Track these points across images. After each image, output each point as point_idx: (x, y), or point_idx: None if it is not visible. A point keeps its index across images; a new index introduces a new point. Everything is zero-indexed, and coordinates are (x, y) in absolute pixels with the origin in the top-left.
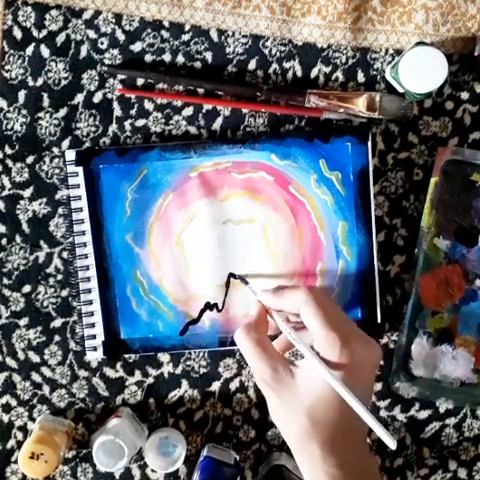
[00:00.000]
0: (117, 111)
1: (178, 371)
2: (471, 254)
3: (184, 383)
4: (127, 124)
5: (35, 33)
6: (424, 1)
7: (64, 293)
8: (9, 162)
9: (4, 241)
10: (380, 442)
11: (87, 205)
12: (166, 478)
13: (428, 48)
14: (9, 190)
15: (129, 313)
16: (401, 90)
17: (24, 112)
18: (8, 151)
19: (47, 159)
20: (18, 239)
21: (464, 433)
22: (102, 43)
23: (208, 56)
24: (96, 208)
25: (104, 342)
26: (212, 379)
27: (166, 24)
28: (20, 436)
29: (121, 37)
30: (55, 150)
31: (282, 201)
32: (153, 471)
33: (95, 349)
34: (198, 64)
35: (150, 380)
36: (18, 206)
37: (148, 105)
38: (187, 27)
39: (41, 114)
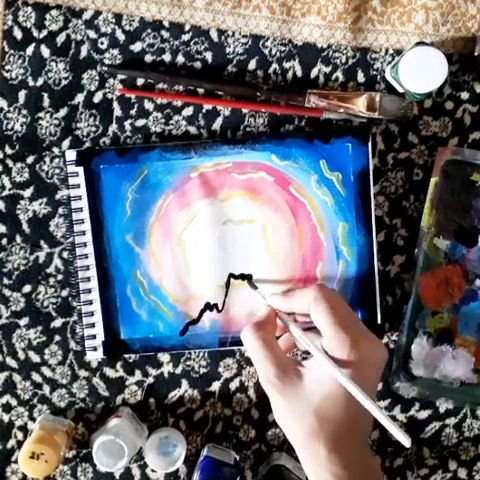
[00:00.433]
0: (117, 111)
1: (178, 371)
2: (471, 254)
3: (184, 383)
4: (127, 124)
5: (35, 33)
6: (424, 1)
7: (64, 293)
8: (9, 162)
9: (4, 241)
10: (380, 442)
11: (87, 205)
12: (166, 478)
13: (428, 48)
14: (9, 190)
15: (129, 313)
16: (401, 90)
17: (24, 112)
18: (8, 151)
19: (47, 159)
20: (18, 239)
21: (464, 433)
22: (102, 43)
23: (208, 56)
24: (96, 208)
25: (104, 342)
26: (212, 379)
27: (166, 24)
28: (20, 436)
29: (121, 37)
30: (55, 150)
31: (282, 201)
32: (153, 471)
33: (95, 349)
34: (198, 64)
35: (150, 380)
36: (18, 206)
37: (148, 105)
38: (187, 27)
39: (41, 114)
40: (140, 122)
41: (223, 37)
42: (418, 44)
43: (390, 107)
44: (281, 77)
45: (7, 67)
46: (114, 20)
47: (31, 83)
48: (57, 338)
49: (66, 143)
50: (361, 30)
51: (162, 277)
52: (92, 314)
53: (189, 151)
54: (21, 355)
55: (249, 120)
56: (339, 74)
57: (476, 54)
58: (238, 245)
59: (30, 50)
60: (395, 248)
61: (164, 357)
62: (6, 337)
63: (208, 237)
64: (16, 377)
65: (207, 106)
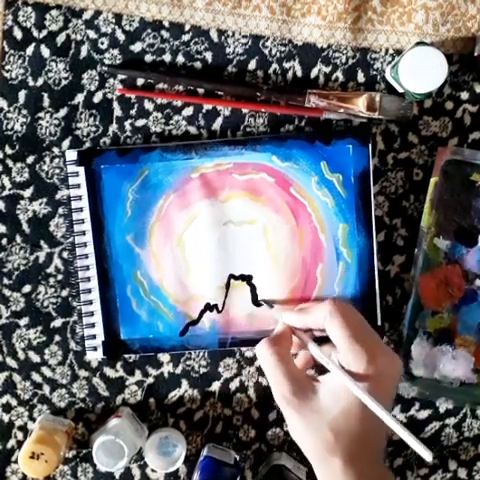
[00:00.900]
0: (117, 111)
1: (178, 371)
2: (471, 254)
3: (184, 383)
4: (127, 124)
5: (35, 33)
6: (424, 1)
7: (64, 293)
8: (9, 162)
9: (4, 241)
10: None
11: (88, 205)
12: (166, 478)
13: (428, 48)
14: (9, 190)
15: (129, 313)
16: (401, 90)
17: (24, 112)
18: (8, 151)
19: (47, 159)
20: (18, 239)
21: (464, 433)
22: (102, 43)
23: (208, 56)
24: (97, 208)
25: (104, 342)
26: (212, 379)
27: (166, 24)
28: (20, 436)
29: (121, 37)
30: (55, 150)
31: (283, 203)
32: (153, 471)
33: (95, 349)
34: (198, 64)
35: (150, 380)
36: (18, 206)
37: (148, 105)
38: (187, 27)
39: (41, 114)
40: (140, 122)
41: (223, 37)
42: (418, 44)
43: (390, 107)
44: (281, 77)
45: (7, 67)
46: (114, 20)
47: (31, 83)
48: (57, 338)
49: (66, 143)
50: (361, 30)
51: (162, 277)
52: (92, 314)
53: (190, 152)
54: (21, 355)
55: (249, 120)
56: (339, 74)
57: (476, 54)
58: (238, 246)
59: (30, 50)
60: (395, 248)
61: (164, 357)
62: (6, 337)
63: (209, 238)
64: (16, 377)
65: (207, 106)
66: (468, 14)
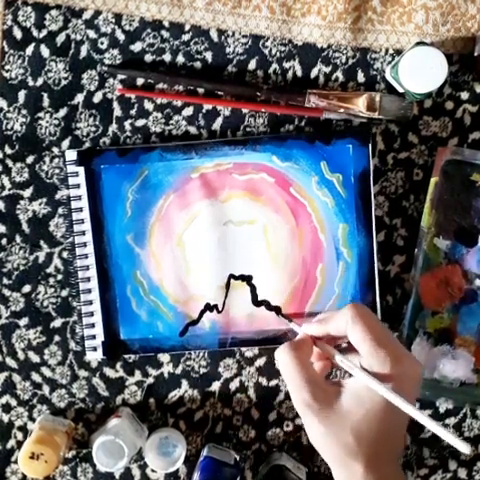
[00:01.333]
0: (117, 111)
1: (178, 371)
2: (471, 254)
3: (184, 383)
4: (127, 124)
5: (35, 33)
6: (424, 1)
7: (64, 293)
8: (9, 162)
9: (4, 241)
10: None
11: (88, 205)
12: (166, 478)
13: (428, 48)
14: (9, 190)
15: (129, 313)
16: (401, 90)
17: (24, 112)
18: (8, 151)
19: (47, 159)
20: (18, 239)
21: (464, 433)
22: (102, 43)
23: (208, 56)
24: (97, 208)
25: (104, 342)
26: (212, 379)
27: (166, 24)
28: (20, 436)
29: (121, 37)
30: (55, 150)
31: (283, 203)
32: (153, 471)
33: (95, 349)
34: (198, 64)
35: (150, 380)
36: (18, 206)
37: (148, 105)
38: (187, 27)
39: (41, 114)
40: (140, 122)
41: (223, 37)
42: (418, 44)
43: (390, 107)
44: (281, 77)
45: (7, 67)
46: (114, 20)
47: (31, 83)
48: (57, 338)
49: (66, 143)
50: (361, 30)
51: (162, 277)
52: (92, 314)
53: (190, 152)
54: (21, 355)
55: (249, 120)
56: (339, 74)
57: (476, 54)
58: (238, 246)
59: (30, 50)
60: (395, 248)
61: (164, 357)
62: (6, 337)
63: (209, 238)
64: (16, 377)
65: (207, 106)
66: (468, 14)
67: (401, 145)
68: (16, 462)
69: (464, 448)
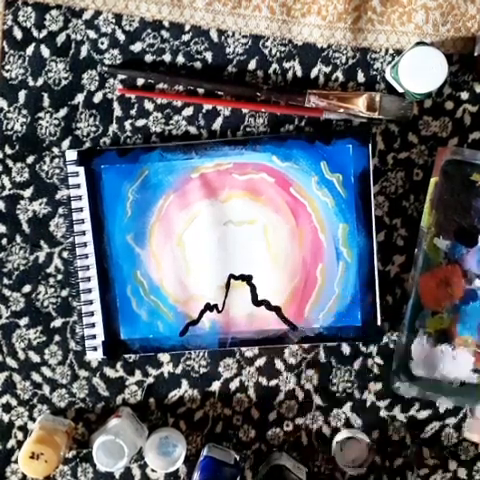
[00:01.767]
0: (117, 111)
1: (178, 371)
2: (471, 254)
3: (184, 383)
4: (127, 124)
5: (35, 33)
6: (424, 1)
7: (64, 293)
8: (9, 162)
9: (4, 241)
10: (380, 442)
11: (88, 205)
12: (166, 478)
13: (428, 48)
14: (9, 190)
15: (129, 313)
16: (401, 90)
17: (24, 112)
18: (8, 151)
19: (47, 159)
20: (18, 239)
21: (464, 433)
22: (102, 43)
23: (208, 56)
24: (97, 208)
25: (104, 342)
26: (212, 379)
27: (166, 24)
28: (20, 436)
29: (121, 37)
30: (55, 150)
31: (283, 203)
32: (153, 471)
33: (95, 349)
34: (198, 64)
35: (150, 380)
36: (18, 206)
37: (148, 105)
38: (187, 27)
39: (41, 114)
40: (140, 122)
41: (223, 37)
42: (418, 44)
43: (390, 107)
44: (281, 77)
45: (7, 67)
46: (114, 20)
47: (31, 83)
48: (57, 338)
49: (66, 143)
50: (361, 30)
51: (162, 277)
52: (92, 314)
53: (190, 152)
54: (21, 355)
55: (249, 120)
56: (339, 74)
57: (476, 54)
58: (238, 246)
59: (30, 50)
60: (395, 248)
61: (164, 357)
62: (6, 337)
63: (209, 238)
64: (16, 377)
65: (207, 106)
66: (468, 14)
67: (401, 145)
68: (16, 462)
69: None
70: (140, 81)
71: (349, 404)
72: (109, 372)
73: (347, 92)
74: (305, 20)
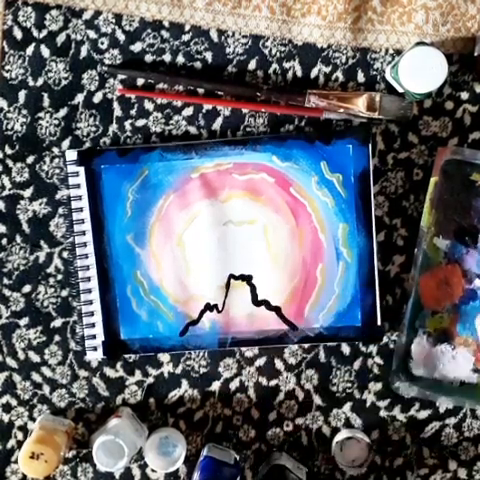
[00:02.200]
0: (117, 111)
1: (178, 371)
2: (471, 254)
3: (184, 383)
4: (127, 124)
5: (35, 33)
6: (424, 1)
7: (64, 293)
8: (9, 162)
9: (4, 241)
10: (380, 442)
11: (88, 205)
12: (166, 478)
13: (428, 48)
14: (9, 190)
15: (129, 313)
16: (401, 90)
17: (24, 112)
18: (8, 151)
19: (47, 159)
20: (18, 239)
21: (464, 433)
22: (102, 43)
23: (208, 56)
24: (97, 208)
25: (104, 342)
26: (212, 379)
27: (166, 24)
28: (20, 436)
29: (121, 37)
30: (55, 150)
31: (283, 203)
32: (153, 471)
33: (95, 349)
34: (198, 64)
35: (150, 380)
36: (18, 206)
37: (148, 105)
38: (187, 27)
39: (41, 114)
40: (140, 122)
41: (223, 37)
42: (418, 44)
43: (390, 107)
44: (281, 77)
45: (7, 67)
46: (114, 20)
47: (31, 83)
48: (57, 338)
49: (66, 143)
50: (361, 30)
51: (162, 278)
52: (92, 314)
53: (190, 152)
54: (21, 355)
55: (249, 120)
56: (339, 74)
57: (476, 54)
58: (238, 246)
59: (30, 50)
60: (395, 248)
61: (164, 357)
62: (6, 337)
63: (209, 238)
64: (16, 377)
65: (207, 106)
66: (468, 14)
67: (401, 145)
68: (16, 462)
69: None
70: (140, 81)
71: (349, 404)
72: (109, 372)
73: (347, 92)
74: (305, 20)
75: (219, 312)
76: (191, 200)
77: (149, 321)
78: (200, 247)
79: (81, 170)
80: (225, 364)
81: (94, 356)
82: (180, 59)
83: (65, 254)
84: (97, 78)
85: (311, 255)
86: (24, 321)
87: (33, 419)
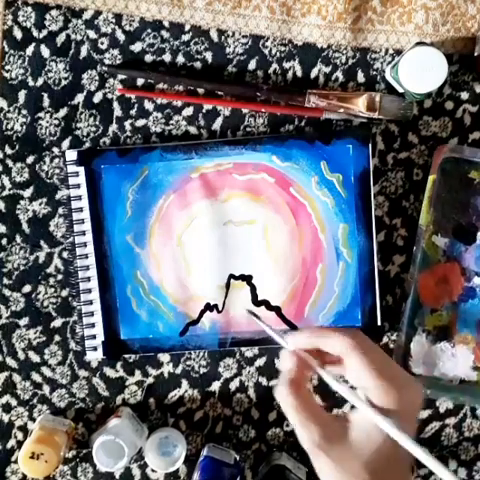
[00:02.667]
0: (117, 111)
1: (178, 371)
2: (469, 251)
3: (184, 383)
4: (127, 124)
5: (35, 33)
6: (424, 1)
7: (64, 293)
8: (9, 162)
9: (4, 241)
10: None
11: (88, 205)
12: (166, 478)
13: (428, 48)
14: (9, 190)
15: (129, 313)
16: (401, 90)
17: (24, 112)
18: (8, 151)
19: (47, 159)
20: (18, 239)
21: (464, 433)
22: (102, 43)
23: (208, 56)
24: (97, 208)
25: (104, 342)
26: (212, 379)
27: (166, 24)
28: (20, 436)
29: (121, 37)
30: (55, 150)
31: (283, 203)
32: (153, 471)
33: (95, 349)
34: (198, 64)
35: (150, 380)
36: (18, 206)
37: (148, 105)
38: (187, 27)
39: (41, 114)
40: (140, 122)
41: (223, 37)
42: (418, 44)
43: (390, 107)
44: (281, 77)
45: (7, 67)
46: (114, 20)
47: (31, 83)
48: (57, 338)
49: (66, 143)
50: (361, 30)
51: (162, 278)
52: (92, 314)
53: (190, 152)
54: (21, 355)
55: (249, 120)
56: (339, 74)
57: (476, 54)
58: (238, 246)
59: (30, 50)
60: (395, 248)
61: (164, 357)
62: (6, 337)
63: (208, 238)
64: (16, 377)
65: (207, 106)
66: (468, 14)
67: (401, 145)
68: (16, 462)
69: None
70: (140, 81)
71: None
72: (109, 372)
73: (347, 92)
74: (305, 20)
75: (219, 312)
76: (191, 200)
77: (149, 321)
78: (200, 247)
79: (81, 170)
80: (225, 364)
81: (94, 356)
82: (180, 59)
83: (65, 254)
84: (97, 78)
85: (311, 255)
86: (24, 321)
87: (33, 419)
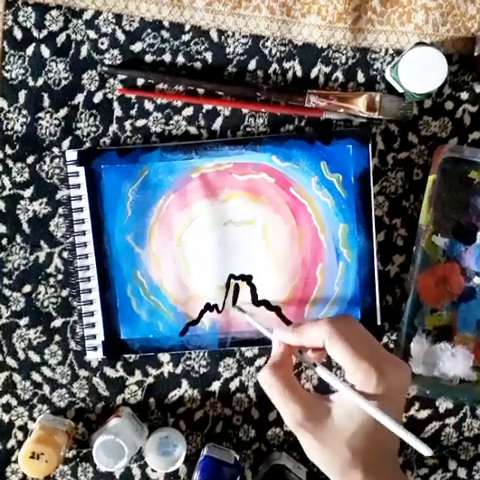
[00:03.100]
0: (117, 111)
1: (178, 371)
2: (469, 252)
3: (184, 383)
4: (127, 124)
5: (35, 33)
6: (424, 1)
7: (64, 293)
8: (9, 162)
9: (4, 241)
10: None
11: (88, 205)
12: (166, 478)
13: (428, 48)
14: (9, 190)
15: (129, 313)
16: (401, 90)
17: (24, 112)
18: (8, 151)
19: (47, 159)
20: (18, 239)
21: (464, 433)
22: (102, 43)
23: (208, 56)
24: (97, 208)
25: (104, 342)
26: (212, 379)
27: (166, 24)
28: (20, 436)
29: (121, 37)
30: (55, 150)
31: (283, 203)
32: (153, 471)
33: (95, 349)
34: (198, 64)
35: (150, 380)
36: (18, 206)
37: (148, 105)
38: (187, 27)
39: (41, 114)
40: (140, 122)
41: (223, 37)
42: (418, 44)
43: (390, 107)
44: (281, 77)
45: (7, 67)
46: (114, 20)
47: (31, 83)
48: (57, 338)
49: (66, 143)
50: (361, 30)
51: (162, 278)
52: (92, 314)
53: (190, 152)
54: (21, 355)
55: (249, 120)
56: (339, 74)
57: (476, 54)
58: (238, 246)
59: (30, 50)
60: (395, 248)
61: (164, 357)
62: (6, 337)
63: (208, 238)
64: (16, 377)
65: (207, 106)
66: (468, 14)
67: (401, 145)
68: (16, 462)
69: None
70: (140, 81)
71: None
72: (109, 372)
73: (347, 92)
74: (305, 20)
75: (219, 312)
76: (191, 200)
77: (149, 321)
78: (200, 247)
79: (81, 170)
80: (225, 364)
81: (94, 356)
82: (180, 59)
83: (65, 254)
84: (97, 78)
85: (311, 255)
86: (24, 321)
87: (33, 419)
